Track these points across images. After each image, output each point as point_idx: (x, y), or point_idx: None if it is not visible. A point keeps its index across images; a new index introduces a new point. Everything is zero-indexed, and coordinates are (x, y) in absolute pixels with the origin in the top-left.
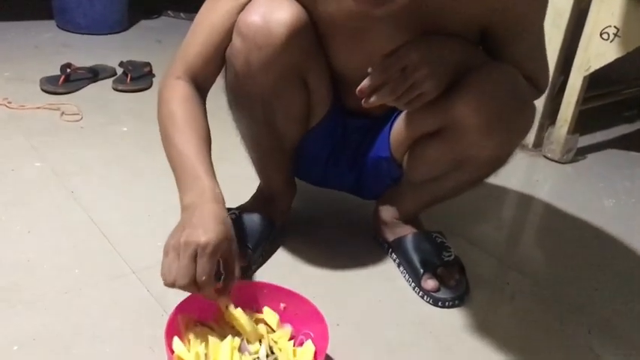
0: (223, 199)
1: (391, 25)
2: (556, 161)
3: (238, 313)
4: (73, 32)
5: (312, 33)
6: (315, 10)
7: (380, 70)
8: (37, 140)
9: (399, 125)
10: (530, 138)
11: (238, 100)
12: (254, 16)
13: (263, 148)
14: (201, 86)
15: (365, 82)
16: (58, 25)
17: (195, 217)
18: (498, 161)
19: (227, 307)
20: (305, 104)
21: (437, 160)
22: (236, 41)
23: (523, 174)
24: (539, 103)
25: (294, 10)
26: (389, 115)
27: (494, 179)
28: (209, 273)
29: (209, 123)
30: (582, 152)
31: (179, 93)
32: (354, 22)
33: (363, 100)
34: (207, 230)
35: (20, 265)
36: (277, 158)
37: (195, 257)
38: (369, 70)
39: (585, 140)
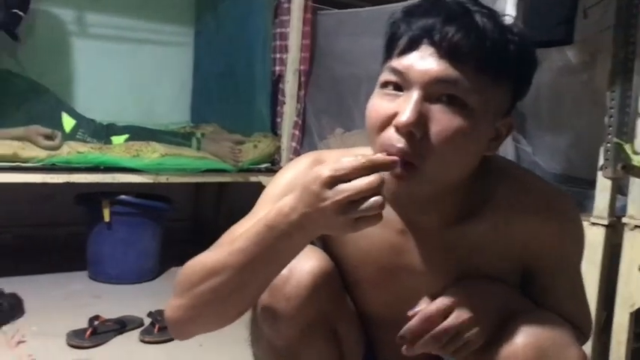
0: None
1: (424, 265)
2: None
3: None
4: (103, 282)
5: (338, 281)
6: (344, 252)
7: (422, 317)
8: None
9: None
10: None
11: (264, 354)
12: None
13: None
14: None
15: (406, 329)
16: (89, 276)
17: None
18: None
19: None
20: (335, 356)
21: None
22: (263, 296)
23: None
24: (587, 344)
25: (319, 260)
26: None
27: None
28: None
29: None
30: None
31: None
32: (385, 257)
33: (404, 348)
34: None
35: None
36: None
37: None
38: (409, 313)
39: None
